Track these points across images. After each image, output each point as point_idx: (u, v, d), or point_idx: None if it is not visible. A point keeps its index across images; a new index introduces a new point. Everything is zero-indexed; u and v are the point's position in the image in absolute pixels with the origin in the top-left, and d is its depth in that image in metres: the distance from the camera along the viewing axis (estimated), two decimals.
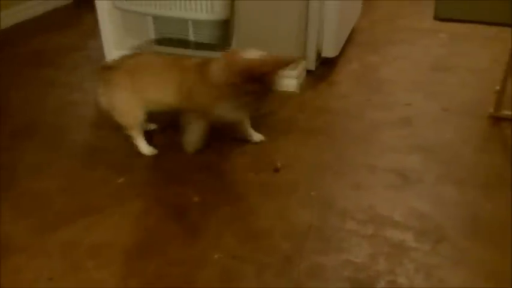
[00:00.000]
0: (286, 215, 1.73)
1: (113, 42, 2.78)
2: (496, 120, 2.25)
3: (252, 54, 1.80)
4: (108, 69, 2.00)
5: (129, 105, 1.99)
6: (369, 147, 2.10)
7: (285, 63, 1.84)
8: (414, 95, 2.48)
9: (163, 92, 1.97)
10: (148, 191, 1.87)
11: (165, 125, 2.22)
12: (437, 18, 3.48)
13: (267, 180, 1.90)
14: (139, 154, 2.07)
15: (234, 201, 1.81)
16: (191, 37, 2.58)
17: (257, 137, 2.12)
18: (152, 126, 2.19)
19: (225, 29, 2.50)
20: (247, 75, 1.74)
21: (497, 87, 2.21)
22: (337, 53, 2.73)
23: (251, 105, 1.90)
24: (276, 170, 1.95)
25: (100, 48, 2.85)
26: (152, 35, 2.66)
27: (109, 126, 2.22)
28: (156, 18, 2.59)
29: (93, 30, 2.98)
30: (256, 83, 1.75)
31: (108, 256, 1.58)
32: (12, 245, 1.62)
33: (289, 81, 2.51)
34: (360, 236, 1.64)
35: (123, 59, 2.04)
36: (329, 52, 2.67)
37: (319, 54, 2.68)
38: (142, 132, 2.06)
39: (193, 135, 2.01)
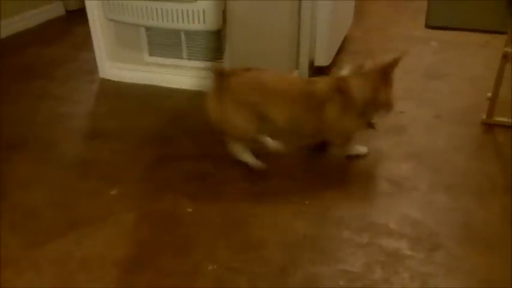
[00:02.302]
0: (281, 225, 1.72)
1: (106, 54, 2.77)
2: (489, 127, 2.25)
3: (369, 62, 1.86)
4: (225, 75, 1.82)
5: (244, 118, 1.81)
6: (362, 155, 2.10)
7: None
8: (407, 102, 2.49)
9: (293, 119, 1.84)
10: (141, 202, 1.85)
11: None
12: (429, 26, 3.51)
13: (260, 190, 1.89)
14: (132, 165, 2.06)
15: (228, 211, 1.80)
16: (184, 47, 2.59)
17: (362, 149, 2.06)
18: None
19: (217, 39, 2.50)
20: (386, 79, 1.83)
21: (489, 94, 2.22)
22: (329, 62, 2.73)
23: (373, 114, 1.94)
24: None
25: (92, 59, 2.85)
26: (145, 45, 2.67)
27: (101, 137, 2.22)
28: (148, 29, 2.59)
29: (85, 42, 2.97)
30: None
31: (100, 269, 1.55)
32: (1, 259, 1.59)
33: None
34: (355, 245, 1.63)
35: (241, 69, 1.87)
36: (321, 61, 2.67)
37: (311, 63, 2.68)
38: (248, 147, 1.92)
39: (357, 149, 2.03)
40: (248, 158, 1.92)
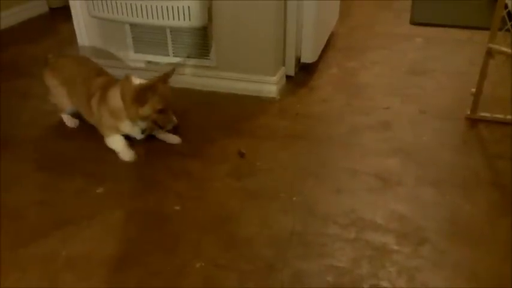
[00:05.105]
0: (268, 222, 1.72)
1: (90, 51, 2.74)
2: (473, 122, 2.28)
3: (137, 80, 2.01)
4: (46, 64, 2.30)
5: (55, 96, 2.29)
6: (349, 151, 2.11)
7: (161, 78, 2.00)
8: (392, 98, 2.51)
9: (76, 101, 2.23)
10: (128, 200, 1.84)
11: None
12: (413, 23, 3.54)
13: (248, 187, 1.89)
14: (118, 163, 2.04)
15: (215, 208, 1.79)
16: (169, 44, 2.57)
17: (173, 138, 2.18)
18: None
19: (203, 37, 2.49)
20: (139, 100, 1.95)
21: (473, 90, 2.25)
22: (315, 59, 2.74)
23: (153, 124, 2.05)
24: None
25: None
26: (130, 43, 2.64)
27: (86, 135, 2.20)
28: (133, 26, 2.57)
29: (70, 40, 2.94)
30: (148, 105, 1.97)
31: (87, 268, 1.54)
32: None
33: (269, 87, 2.51)
34: (343, 240, 1.64)
35: (57, 58, 2.34)
36: (308, 58, 2.68)
37: (298, 59, 2.69)
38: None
39: (116, 146, 2.09)
40: (66, 120, 2.32)
